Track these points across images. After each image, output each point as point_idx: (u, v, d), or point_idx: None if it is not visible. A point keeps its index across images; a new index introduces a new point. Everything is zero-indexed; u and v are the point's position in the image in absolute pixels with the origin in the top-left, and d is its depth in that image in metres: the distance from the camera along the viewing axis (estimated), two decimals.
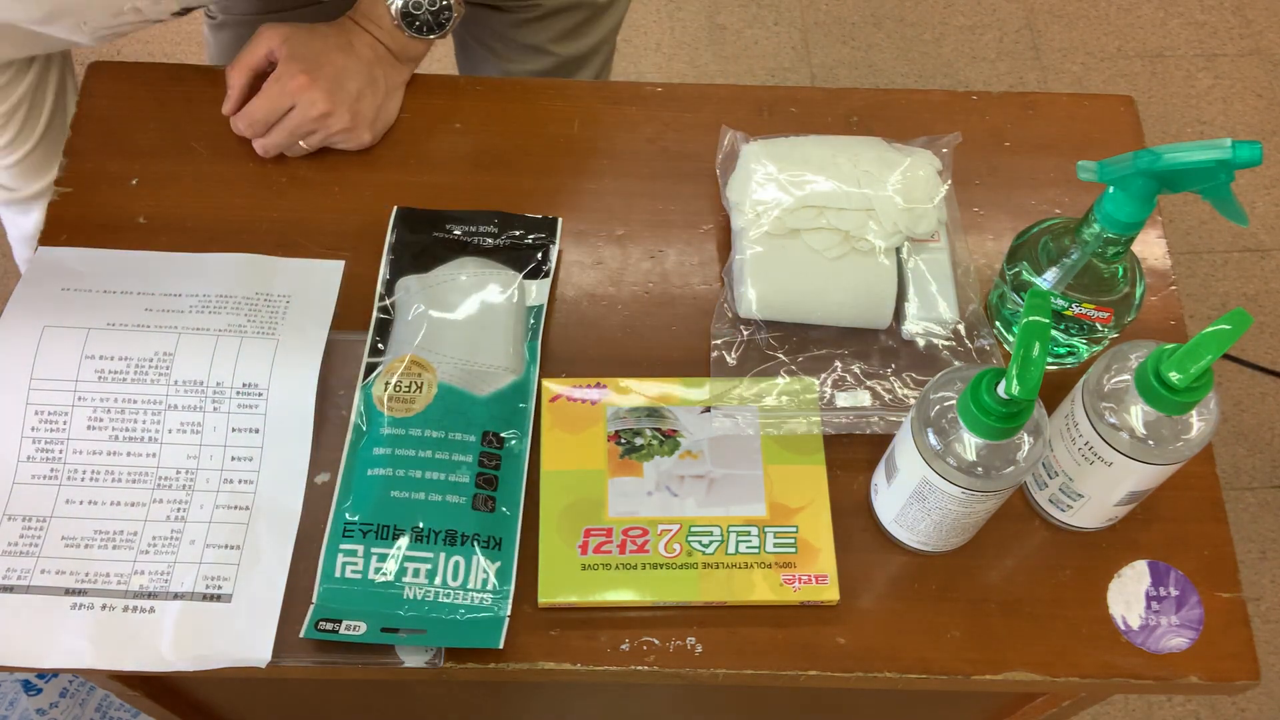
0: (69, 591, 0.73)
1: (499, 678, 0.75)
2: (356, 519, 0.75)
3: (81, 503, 0.76)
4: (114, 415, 0.78)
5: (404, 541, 0.74)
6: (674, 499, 0.77)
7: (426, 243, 0.86)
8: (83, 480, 0.76)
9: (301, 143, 0.89)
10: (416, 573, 0.74)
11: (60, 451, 0.77)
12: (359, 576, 0.74)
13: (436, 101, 0.94)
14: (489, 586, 0.74)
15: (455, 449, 0.77)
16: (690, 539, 0.76)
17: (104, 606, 0.73)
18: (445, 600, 0.73)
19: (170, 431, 0.78)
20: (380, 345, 0.81)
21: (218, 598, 0.74)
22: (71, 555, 0.74)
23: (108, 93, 0.93)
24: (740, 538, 0.76)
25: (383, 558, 0.74)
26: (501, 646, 0.72)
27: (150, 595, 0.73)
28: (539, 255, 0.86)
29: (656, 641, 0.75)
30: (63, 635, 0.72)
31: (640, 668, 0.74)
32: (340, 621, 0.71)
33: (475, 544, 0.75)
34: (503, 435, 0.79)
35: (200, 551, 0.75)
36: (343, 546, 0.74)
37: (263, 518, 0.76)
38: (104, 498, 0.76)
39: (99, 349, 0.79)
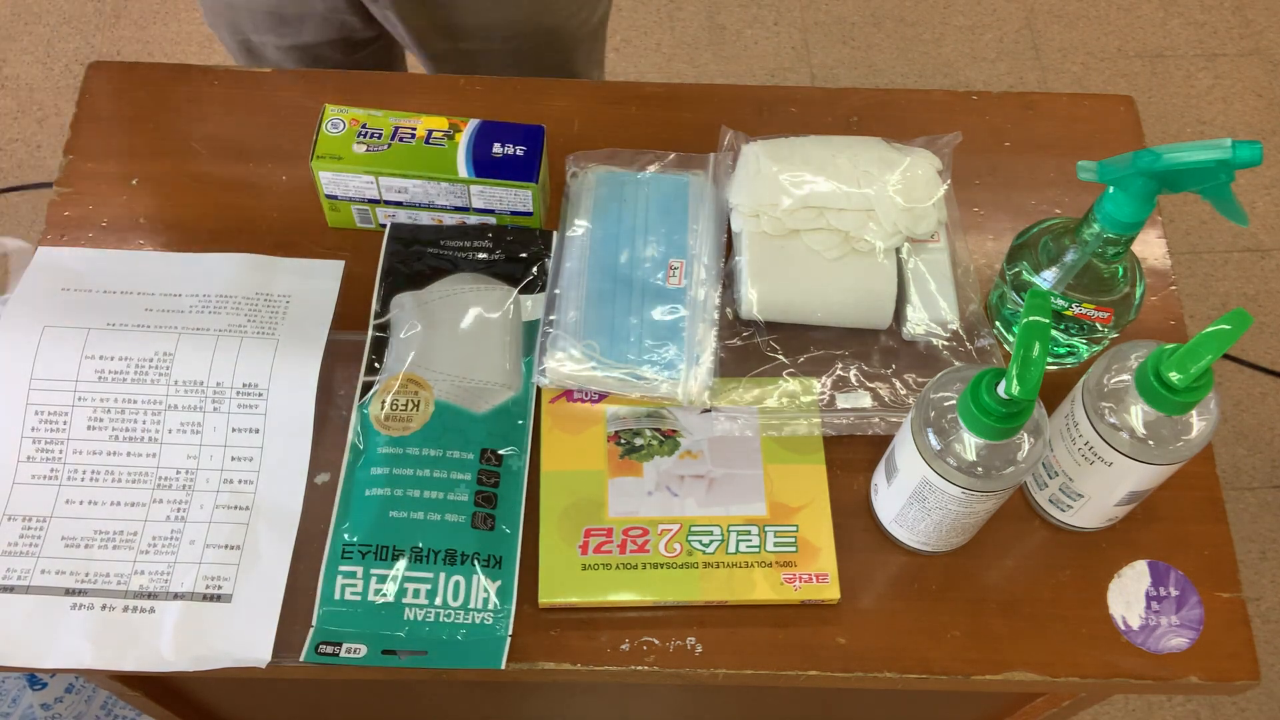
0: (69, 591, 0.73)
1: (499, 678, 0.75)
2: (355, 540, 0.74)
3: (81, 503, 0.76)
4: (114, 415, 0.78)
5: (403, 562, 0.74)
6: (674, 499, 0.77)
7: (420, 259, 0.85)
8: (83, 480, 0.76)
9: None
10: (416, 593, 0.73)
11: (60, 451, 0.77)
12: (358, 598, 0.73)
13: (437, 101, 0.94)
14: (490, 606, 0.74)
15: (454, 467, 0.77)
16: (690, 539, 0.76)
17: (104, 607, 0.73)
18: (446, 620, 0.73)
19: (170, 431, 0.78)
20: (376, 364, 0.81)
21: (218, 598, 0.74)
22: (71, 555, 0.74)
23: (108, 93, 0.93)
24: (740, 537, 0.76)
25: (382, 579, 0.73)
26: (504, 667, 0.72)
27: (150, 595, 0.73)
28: (534, 269, 0.86)
29: (656, 641, 0.75)
30: (63, 635, 0.72)
31: (640, 668, 0.74)
32: (340, 644, 0.71)
33: (475, 563, 0.74)
34: (501, 452, 0.78)
35: (200, 551, 0.75)
36: (342, 568, 0.74)
37: (263, 518, 0.76)
38: (104, 498, 0.76)
39: (99, 349, 0.79)
